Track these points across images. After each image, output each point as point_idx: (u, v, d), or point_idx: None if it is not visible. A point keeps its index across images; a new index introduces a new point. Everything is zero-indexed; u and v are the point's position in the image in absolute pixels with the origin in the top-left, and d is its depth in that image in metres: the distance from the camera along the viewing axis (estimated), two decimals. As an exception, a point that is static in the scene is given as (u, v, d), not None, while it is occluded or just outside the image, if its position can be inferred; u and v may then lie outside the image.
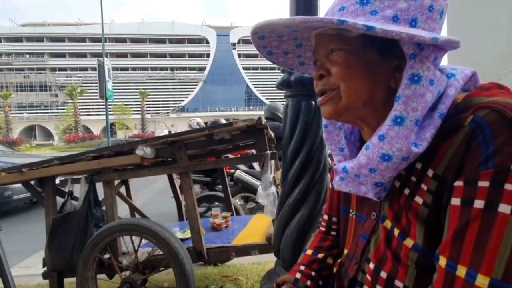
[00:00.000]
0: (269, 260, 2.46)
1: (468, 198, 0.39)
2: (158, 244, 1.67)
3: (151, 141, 1.79)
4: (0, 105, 40.37)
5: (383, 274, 0.50)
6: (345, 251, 0.62)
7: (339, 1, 0.49)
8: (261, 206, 3.91)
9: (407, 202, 0.48)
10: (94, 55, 47.73)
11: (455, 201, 0.40)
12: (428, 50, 0.45)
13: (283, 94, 1.42)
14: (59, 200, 1.95)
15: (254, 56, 56.03)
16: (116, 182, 2.01)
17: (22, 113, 50.89)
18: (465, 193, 0.39)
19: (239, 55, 59.82)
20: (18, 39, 53.48)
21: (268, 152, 1.73)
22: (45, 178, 1.89)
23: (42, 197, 1.94)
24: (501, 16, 1.16)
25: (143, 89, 49.40)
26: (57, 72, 53.74)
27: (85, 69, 52.55)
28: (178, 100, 57.41)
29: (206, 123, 4.35)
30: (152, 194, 5.93)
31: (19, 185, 1.99)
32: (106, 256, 1.80)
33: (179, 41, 58.41)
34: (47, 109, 52.98)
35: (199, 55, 59.58)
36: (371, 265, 0.52)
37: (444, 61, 0.54)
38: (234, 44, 59.54)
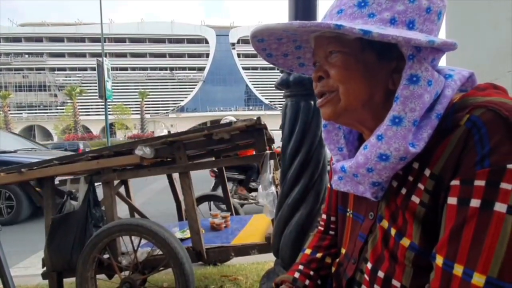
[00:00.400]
0: (268, 260, 2.46)
1: (464, 197, 0.39)
2: (158, 244, 1.67)
3: (150, 141, 1.79)
4: (-1, 105, 40.36)
5: (381, 274, 0.50)
6: (343, 251, 0.62)
7: (338, 4, 0.49)
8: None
9: (404, 202, 0.48)
10: (93, 55, 47.65)
11: (452, 200, 0.41)
12: (426, 51, 0.45)
13: (282, 94, 1.43)
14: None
15: (254, 56, 55.84)
16: (116, 182, 2.01)
17: (21, 113, 50.79)
18: (461, 192, 0.40)
19: (239, 55, 59.84)
20: (17, 39, 53.40)
21: (268, 152, 1.73)
22: (44, 178, 1.89)
23: (41, 198, 1.94)
24: (500, 16, 1.17)
25: (142, 89, 49.44)
26: (56, 72, 53.71)
27: (84, 69, 52.55)
28: (178, 100, 57.40)
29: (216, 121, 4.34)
30: (152, 194, 5.92)
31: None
32: (106, 256, 1.81)
33: (179, 41, 58.41)
34: (46, 109, 52.92)
35: (199, 55, 59.58)
36: (369, 265, 0.52)
37: (443, 61, 0.55)
38: (233, 44, 59.57)
